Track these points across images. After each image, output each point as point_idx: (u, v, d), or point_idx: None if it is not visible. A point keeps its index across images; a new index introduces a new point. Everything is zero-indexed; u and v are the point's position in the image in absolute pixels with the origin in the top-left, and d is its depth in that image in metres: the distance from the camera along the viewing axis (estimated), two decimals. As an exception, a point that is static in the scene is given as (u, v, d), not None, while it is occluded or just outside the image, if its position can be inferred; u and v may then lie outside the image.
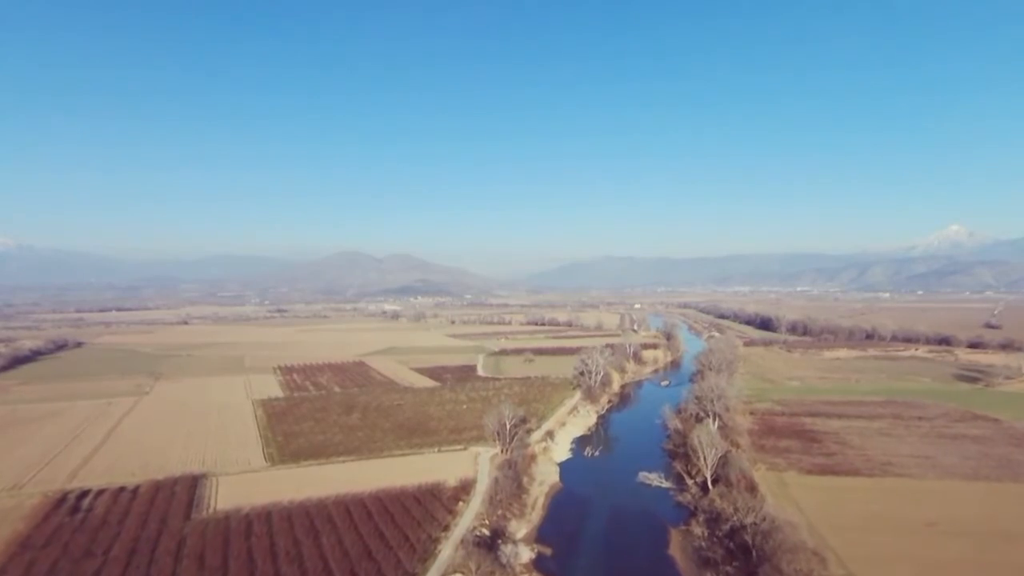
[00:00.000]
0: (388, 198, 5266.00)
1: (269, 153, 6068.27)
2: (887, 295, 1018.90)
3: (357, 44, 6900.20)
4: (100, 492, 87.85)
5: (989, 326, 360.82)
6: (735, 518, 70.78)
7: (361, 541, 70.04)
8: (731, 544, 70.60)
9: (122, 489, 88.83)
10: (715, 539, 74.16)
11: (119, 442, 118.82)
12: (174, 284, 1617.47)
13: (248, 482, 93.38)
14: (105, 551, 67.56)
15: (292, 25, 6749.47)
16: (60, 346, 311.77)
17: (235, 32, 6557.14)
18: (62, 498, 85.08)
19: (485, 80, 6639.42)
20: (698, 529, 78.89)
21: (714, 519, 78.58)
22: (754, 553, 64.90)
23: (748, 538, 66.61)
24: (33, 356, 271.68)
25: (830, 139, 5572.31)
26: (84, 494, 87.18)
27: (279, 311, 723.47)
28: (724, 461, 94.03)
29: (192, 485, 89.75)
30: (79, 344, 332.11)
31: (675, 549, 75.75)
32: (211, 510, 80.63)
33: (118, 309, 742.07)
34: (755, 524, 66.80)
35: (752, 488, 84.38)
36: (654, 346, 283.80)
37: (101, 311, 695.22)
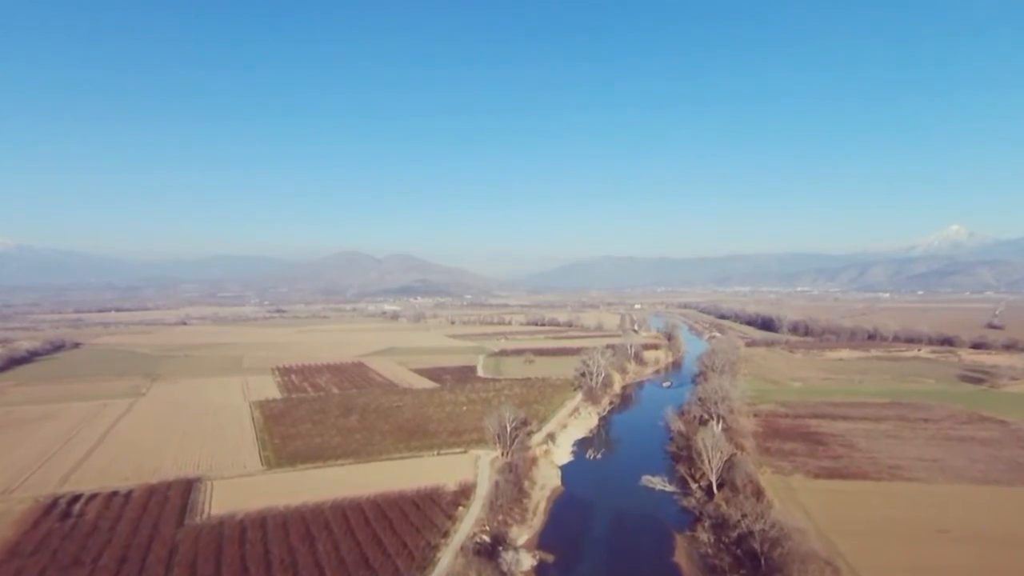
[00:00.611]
0: (388, 198, 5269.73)
1: (269, 153, 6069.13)
2: (887, 295, 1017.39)
3: (357, 44, 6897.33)
4: (92, 497, 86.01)
5: (991, 326, 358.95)
6: (743, 524, 68.84)
7: (358, 548, 68.13)
8: (738, 551, 68.74)
9: (115, 494, 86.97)
10: (722, 546, 72.35)
11: (113, 445, 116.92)
12: (174, 284, 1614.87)
13: (244, 486, 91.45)
14: (95, 559, 65.68)
15: (292, 25, 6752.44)
16: (57, 347, 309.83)
17: (235, 32, 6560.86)
18: (53, 503, 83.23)
19: (485, 80, 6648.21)
20: (704, 535, 77.06)
21: (720, 525, 76.80)
22: (763, 561, 63.06)
23: (756, 545, 64.72)
24: (30, 357, 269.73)
25: (830, 139, 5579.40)
26: (76, 499, 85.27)
27: (278, 311, 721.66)
28: (729, 464, 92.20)
29: (186, 489, 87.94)
30: (76, 345, 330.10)
31: (680, 556, 73.90)
32: (205, 515, 78.75)
33: (117, 309, 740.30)
34: (763, 531, 64.85)
35: (758, 493, 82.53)
36: (655, 347, 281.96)
37: (100, 311, 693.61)
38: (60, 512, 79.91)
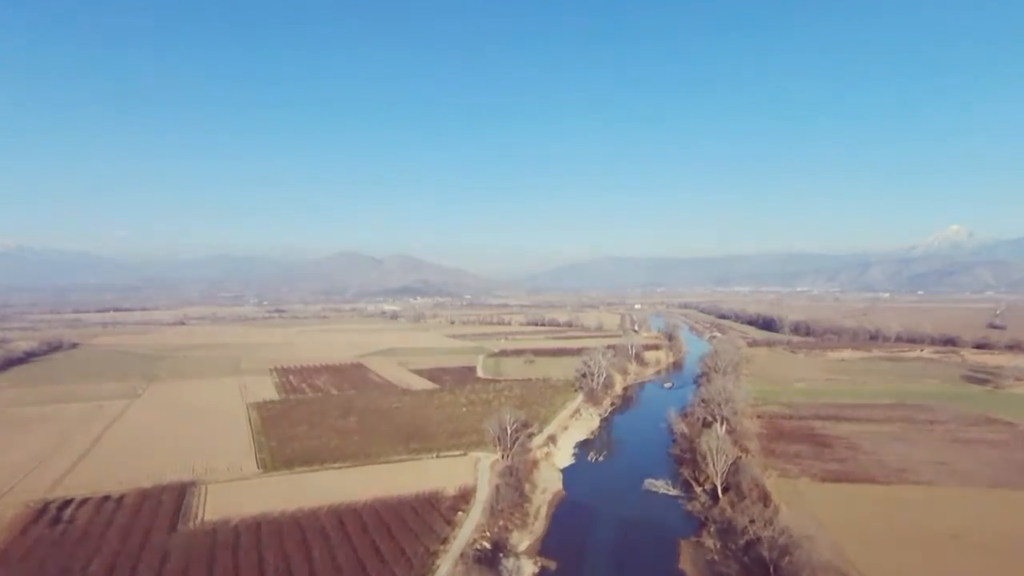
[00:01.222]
0: (388, 198, 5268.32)
1: (269, 153, 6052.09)
2: (887, 295, 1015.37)
3: (357, 45, 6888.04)
4: (84, 501, 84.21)
5: (993, 326, 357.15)
6: (750, 530, 67.08)
7: (355, 555, 66.32)
8: (746, 559, 66.96)
9: (107, 498, 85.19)
10: (728, 552, 70.54)
11: (107, 447, 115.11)
12: (173, 284, 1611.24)
13: (239, 490, 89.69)
14: (84, 567, 63.91)
15: (293, 26, 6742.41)
16: (55, 347, 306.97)
17: (235, 33, 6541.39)
18: (43, 508, 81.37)
19: (485, 80, 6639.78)
20: (709, 541, 75.23)
21: (726, 530, 75.06)
22: (772, 569, 61.20)
23: (765, 553, 62.88)
24: (26, 358, 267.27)
25: (830, 139, 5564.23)
26: (67, 503, 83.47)
27: (278, 311, 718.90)
28: (734, 468, 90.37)
29: (180, 494, 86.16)
30: (74, 345, 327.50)
31: (685, 562, 72.04)
32: (198, 521, 76.98)
33: (116, 310, 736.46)
34: (772, 538, 63.02)
35: (765, 497, 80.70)
36: (656, 347, 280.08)
37: (99, 311, 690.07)
38: (50, 518, 78.11)
